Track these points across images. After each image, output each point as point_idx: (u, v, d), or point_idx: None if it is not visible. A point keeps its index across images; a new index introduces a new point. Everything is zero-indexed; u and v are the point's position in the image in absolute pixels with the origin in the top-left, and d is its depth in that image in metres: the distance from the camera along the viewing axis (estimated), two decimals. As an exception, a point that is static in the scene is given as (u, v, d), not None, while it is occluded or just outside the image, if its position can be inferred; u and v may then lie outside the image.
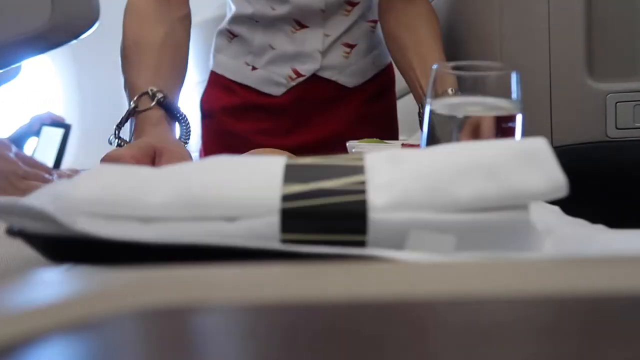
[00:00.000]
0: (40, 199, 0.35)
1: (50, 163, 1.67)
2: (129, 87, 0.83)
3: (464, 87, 0.56)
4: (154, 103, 0.79)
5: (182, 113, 0.82)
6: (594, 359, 0.16)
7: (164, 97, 0.80)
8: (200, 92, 1.18)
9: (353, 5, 1.07)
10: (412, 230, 0.32)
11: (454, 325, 0.19)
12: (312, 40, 1.06)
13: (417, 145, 0.81)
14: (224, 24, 1.13)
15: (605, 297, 0.22)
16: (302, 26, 1.05)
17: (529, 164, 0.33)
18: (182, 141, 0.81)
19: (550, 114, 0.84)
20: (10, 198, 0.38)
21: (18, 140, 1.77)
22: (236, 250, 0.31)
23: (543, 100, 0.84)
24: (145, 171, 0.37)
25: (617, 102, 0.82)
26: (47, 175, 0.79)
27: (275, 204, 0.33)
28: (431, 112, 0.55)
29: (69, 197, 0.34)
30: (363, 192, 0.33)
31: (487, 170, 0.33)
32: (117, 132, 0.80)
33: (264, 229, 0.33)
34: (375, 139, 0.91)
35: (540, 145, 0.34)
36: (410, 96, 1.00)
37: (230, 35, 1.11)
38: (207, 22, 1.49)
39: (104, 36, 1.30)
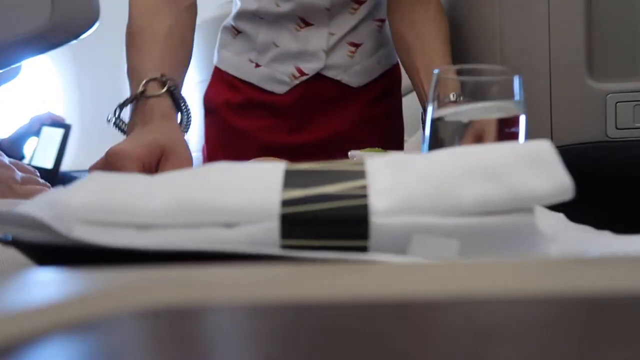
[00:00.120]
0: (35, 206, 0.34)
1: (50, 163, 1.67)
2: (135, 72, 0.81)
3: (466, 91, 0.56)
4: (164, 90, 0.77)
5: (187, 104, 0.81)
6: (594, 359, 0.16)
7: (175, 85, 0.79)
8: (201, 91, 1.18)
9: (360, 3, 1.05)
10: (415, 234, 0.32)
11: (454, 325, 0.19)
12: (317, 38, 1.04)
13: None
14: (229, 20, 1.12)
15: (605, 297, 0.22)
16: (307, 24, 1.04)
17: (533, 166, 0.33)
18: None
19: (550, 114, 0.84)
20: (5, 203, 0.37)
21: (18, 140, 1.77)
22: (235, 256, 0.30)
23: (543, 100, 0.84)
24: (143, 178, 0.36)
25: (617, 102, 0.82)
26: (40, 180, 0.80)
27: (275, 209, 0.32)
28: (433, 117, 0.55)
29: (65, 204, 0.33)
30: (365, 196, 0.32)
31: (490, 173, 0.33)
32: (118, 111, 0.78)
33: (264, 235, 0.32)
34: (377, 148, 0.90)
35: (545, 148, 0.34)
36: (413, 95, 1.00)
37: (234, 31, 1.11)
38: (207, 22, 1.49)
39: (104, 36, 1.30)
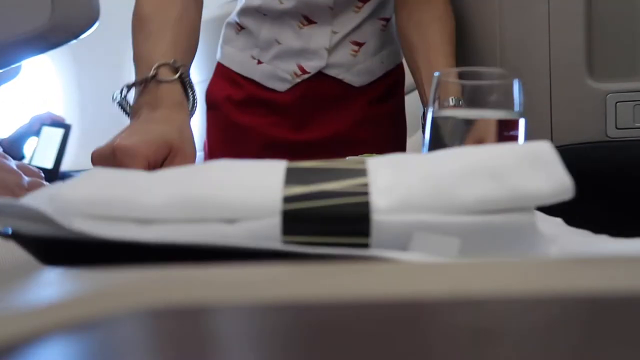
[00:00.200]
0: (36, 200, 0.34)
1: (50, 163, 1.67)
2: (144, 56, 0.79)
3: (466, 95, 0.56)
4: (176, 76, 0.77)
5: (196, 93, 0.80)
6: (594, 359, 0.16)
7: (186, 72, 0.78)
8: (201, 91, 1.18)
9: (364, 2, 1.04)
10: (416, 232, 0.32)
11: (454, 325, 0.19)
12: (319, 36, 1.04)
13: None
14: (233, 16, 1.11)
15: (605, 297, 0.22)
16: (310, 22, 1.03)
17: (533, 166, 0.33)
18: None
19: (550, 114, 0.84)
20: (5, 199, 0.37)
21: (18, 140, 1.77)
22: (236, 252, 0.30)
23: (543, 100, 0.84)
24: (144, 173, 0.36)
25: (617, 102, 0.82)
26: (45, 183, 0.79)
27: (277, 205, 0.32)
28: (433, 119, 0.55)
29: (65, 198, 0.33)
30: (366, 194, 0.32)
31: (491, 172, 0.33)
32: (125, 91, 0.77)
33: (265, 231, 0.32)
34: (374, 154, 0.90)
35: (545, 148, 0.34)
36: (414, 94, 0.99)
37: (238, 27, 1.10)
38: (207, 22, 1.48)
39: (104, 36, 1.30)
